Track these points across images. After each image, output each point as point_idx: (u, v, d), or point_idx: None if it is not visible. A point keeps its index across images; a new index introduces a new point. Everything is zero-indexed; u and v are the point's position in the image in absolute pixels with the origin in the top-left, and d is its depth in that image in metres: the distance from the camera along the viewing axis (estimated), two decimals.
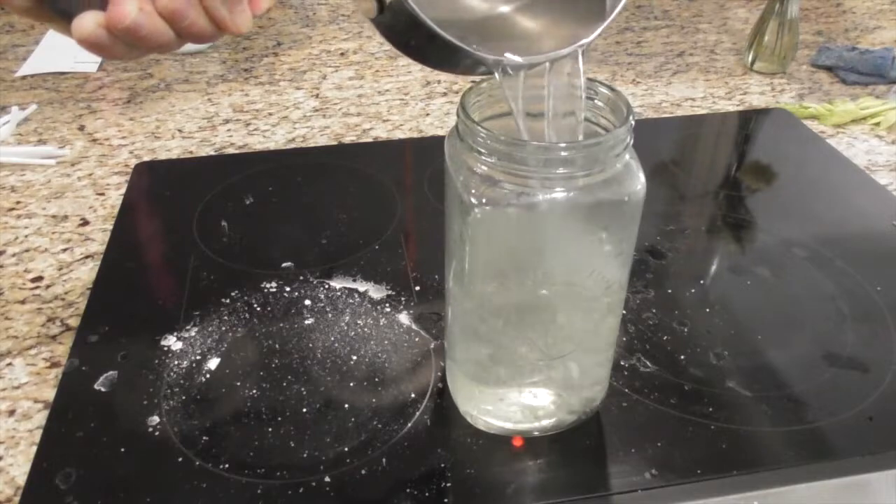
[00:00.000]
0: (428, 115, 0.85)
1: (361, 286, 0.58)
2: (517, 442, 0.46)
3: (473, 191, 0.37)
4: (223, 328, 0.54)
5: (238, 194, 0.69)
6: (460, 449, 0.45)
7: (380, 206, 0.68)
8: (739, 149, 0.80)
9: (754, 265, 0.61)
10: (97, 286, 0.58)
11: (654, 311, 0.55)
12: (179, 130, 0.82)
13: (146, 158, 0.76)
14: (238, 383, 0.50)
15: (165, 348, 0.52)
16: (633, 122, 0.37)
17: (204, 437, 0.46)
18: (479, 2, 0.41)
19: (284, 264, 0.60)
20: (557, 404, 0.45)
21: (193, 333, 0.53)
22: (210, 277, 0.59)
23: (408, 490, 0.43)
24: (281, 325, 0.54)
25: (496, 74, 0.38)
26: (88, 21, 0.32)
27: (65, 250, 0.64)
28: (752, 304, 0.57)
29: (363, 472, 0.44)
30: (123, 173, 0.74)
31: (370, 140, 0.80)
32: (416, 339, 0.53)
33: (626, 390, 0.49)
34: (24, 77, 0.93)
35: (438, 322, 0.54)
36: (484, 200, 0.37)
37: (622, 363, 0.51)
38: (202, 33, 0.35)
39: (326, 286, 0.58)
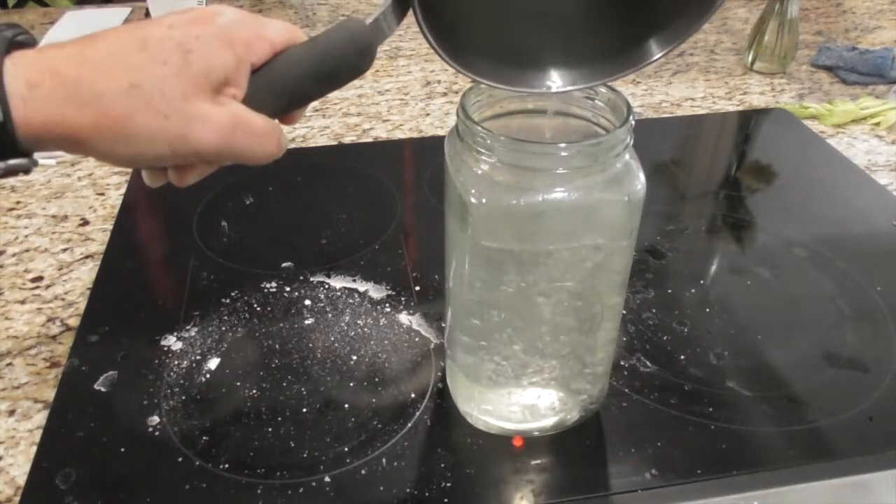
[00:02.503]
0: (428, 115, 0.85)
1: (361, 286, 0.58)
2: (517, 442, 0.46)
3: (473, 191, 0.37)
4: (223, 328, 0.54)
5: (238, 194, 0.69)
6: (460, 449, 0.45)
7: (380, 206, 0.68)
8: (739, 149, 0.80)
9: (754, 265, 0.61)
10: (97, 286, 0.58)
11: (654, 311, 0.55)
12: None
13: None
14: (238, 383, 0.50)
15: (165, 348, 0.52)
16: (632, 122, 0.37)
17: (204, 437, 0.46)
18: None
19: (284, 264, 0.60)
20: (557, 404, 0.45)
21: (193, 333, 0.53)
22: (210, 277, 0.59)
23: (408, 490, 0.43)
24: (281, 325, 0.54)
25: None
26: (157, 178, 0.39)
27: (65, 250, 0.64)
28: (752, 304, 0.57)
29: (363, 472, 0.44)
30: (123, 173, 0.74)
31: (370, 140, 0.80)
32: (416, 339, 0.53)
33: (626, 390, 0.49)
34: None
35: (438, 322, 0.54)
36: (484, 200, 0.37)
37: (622, 363, 0.51)
38: None
39: (326, 286, 0.58)
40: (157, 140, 0.34)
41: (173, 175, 0.38)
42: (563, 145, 0.36)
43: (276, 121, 0.38)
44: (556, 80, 0.41)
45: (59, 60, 0.33)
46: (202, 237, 0.64)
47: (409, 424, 0.47)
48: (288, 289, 0.58)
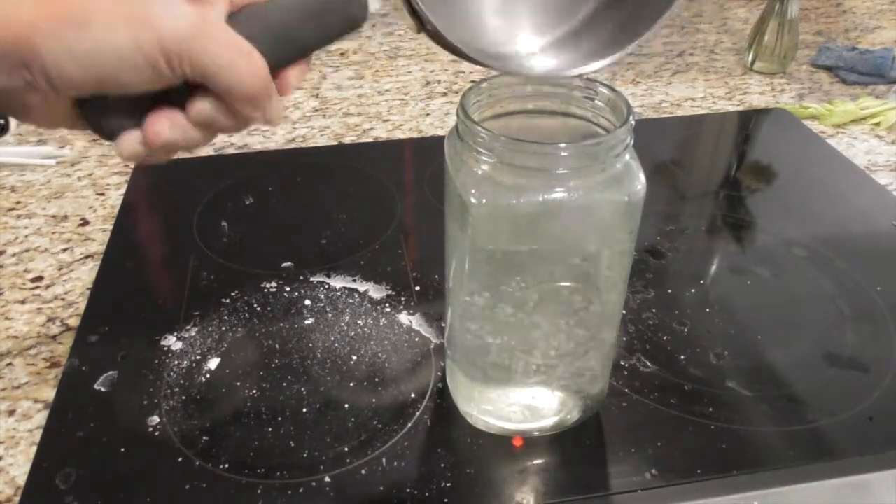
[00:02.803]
0: (428, 115, 0.85)
1: (361, 286, 0.58)
2: (517, 442, 0.46)
3: (473, 191, 0.37)
4: (223, 328, 0.54)
5: (238, 194, 0.69)
6: (460, 449, 0.45)
7: (380, 206, 0.68)
8: (739, 149, 0.80)
9: (754, 265, 0.61)
10: (97, 286, 0.58)
11: (654, 311, 0.55)
12: None
13: None
14: (238, 383, 0.50)
15: (165, 348, 0.52)
16: (633, 122, 0.37)
17: (204, 437, 0.46)
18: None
19: (284, 264, 0.60)
20: (557, 404, 0.45)
21: (193, 333, 0.53)
22: (210, 277, 0.59)
23: (408, 490, 0.43)
24: (281, 325, 0.54)
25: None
26: (130, 143, 0.35)
27: (65, 250, 0.64)
28: (752, 304, 0.57)
29: (363, 472, 0.44)
30: (123, 173, 0.74)
31: (370, 140, 0.80)
32: (416, 339, 0.53)
33: (626, 390, 0.49)
34: None
35: (438, 322, 0.54)
36: (484, 200, 0.37)
37: (622, 363, 0.51)
38: (234, 131, 0.37)
39: (326, 286, 0.58)
40: (117, 25, 0.31)
41: (148, 131, 0.35)
42: (563, 145, 0.36)
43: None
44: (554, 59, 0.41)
45: None
46: (202, 237, 0.64)
47: (409, 424, 0.47)
48: (288, 289, 0.58)
